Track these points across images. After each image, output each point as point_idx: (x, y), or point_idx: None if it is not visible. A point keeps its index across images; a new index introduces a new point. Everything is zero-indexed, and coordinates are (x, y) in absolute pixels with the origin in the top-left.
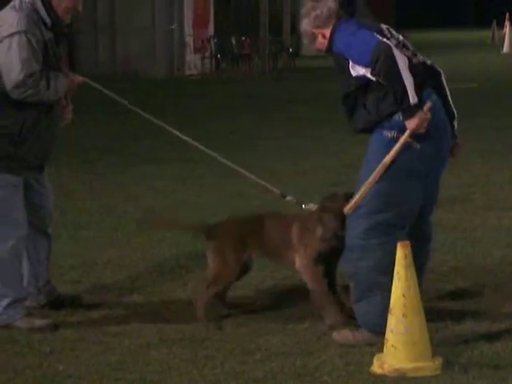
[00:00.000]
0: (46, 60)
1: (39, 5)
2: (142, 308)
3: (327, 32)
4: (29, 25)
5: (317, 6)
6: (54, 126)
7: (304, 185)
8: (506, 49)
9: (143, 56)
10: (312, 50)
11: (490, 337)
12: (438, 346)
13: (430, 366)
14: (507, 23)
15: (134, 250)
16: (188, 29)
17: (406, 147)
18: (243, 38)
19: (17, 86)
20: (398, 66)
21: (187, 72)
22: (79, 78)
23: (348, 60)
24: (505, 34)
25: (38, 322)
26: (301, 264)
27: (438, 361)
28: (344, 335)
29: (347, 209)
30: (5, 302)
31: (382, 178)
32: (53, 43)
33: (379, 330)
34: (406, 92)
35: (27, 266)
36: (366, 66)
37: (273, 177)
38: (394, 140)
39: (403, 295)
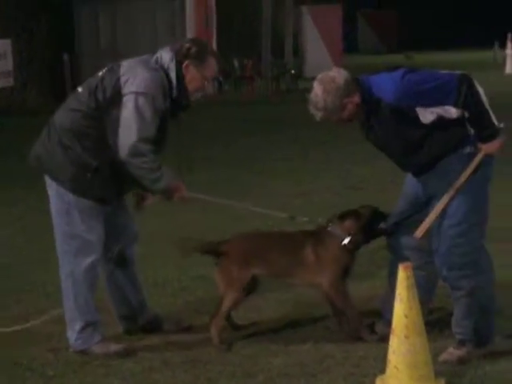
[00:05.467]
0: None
1: (173, 75)
2: (144, 330)
3: (357, 98)
4: (158, 90)
5: (332, 78)
6: None
7: (306, 206)
8: (508, 69)
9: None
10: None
11: (493, 357)
12: (440, 366)
13: None
14: (509, 44)
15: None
16: None
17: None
18: (245, 61)
19: (130, 152)
20: (479, 93)
21: None
22: (185, 194)
23: (415, 109)
24: (507, 55)
25: (114, 347)
26: (329, 284)
27: (441, 382)
28: (455, 354)
29: (418, 232)
30: (78, 326)
31: (469, 191)
32: (168, 114)
33: (488, 342)
34: (490, 116)
35: (117, 290)
36: (450, 104)
37: (275, 198)
38: (472, 154)
39: (405, 316)
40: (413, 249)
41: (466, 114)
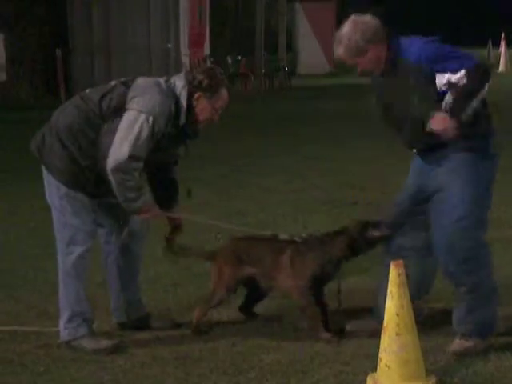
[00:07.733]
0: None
1: (184, 102)
2: (135, 327)
3: (381, 49)
4: (162, 113)
5: (361, 21)
6: None
7: (297, 203)
8: (501, 68)
9: (139, 76)
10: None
11: (484, 356)
12: (431, 365)
13: None
14: (503, 43)
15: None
16: (184, 48)
17: (491, 157)
18: (239, 57)
19: (117, 167)
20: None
21: None
22: (156, 212)
23: (434, 73)
24: (500, 54)
25: (104, 343)
26: (295, 289)
27: (432, 380)
28: (465, 345)
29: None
30: (65, 315)
31: (472, 185)
32: (170, 137)
33: (492, 332)
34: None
35: (116, 281)
36: (457, 70)
37: (267, 194)
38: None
39: (396, 314)
40: (408, 249)
41: (459, 81)
